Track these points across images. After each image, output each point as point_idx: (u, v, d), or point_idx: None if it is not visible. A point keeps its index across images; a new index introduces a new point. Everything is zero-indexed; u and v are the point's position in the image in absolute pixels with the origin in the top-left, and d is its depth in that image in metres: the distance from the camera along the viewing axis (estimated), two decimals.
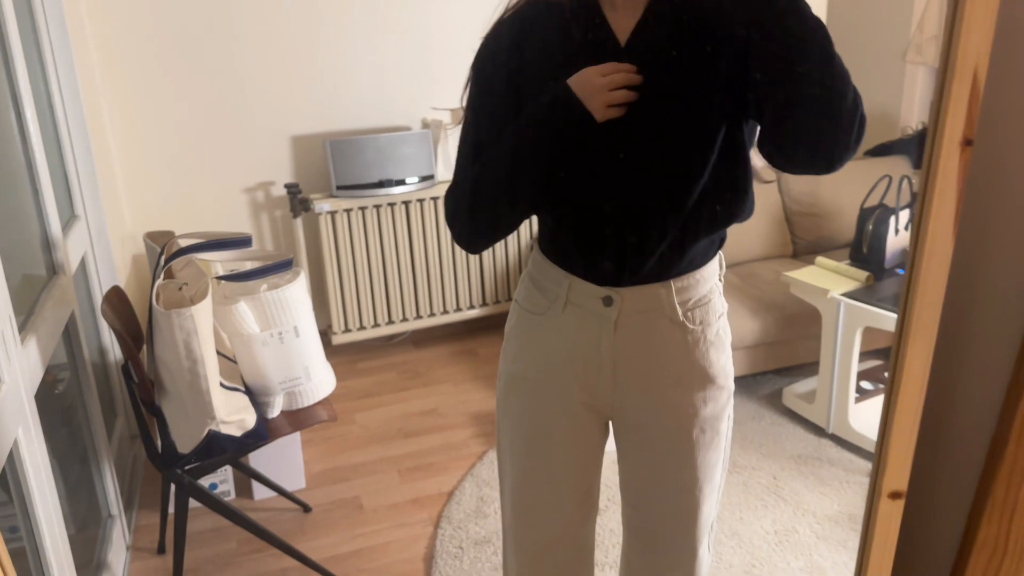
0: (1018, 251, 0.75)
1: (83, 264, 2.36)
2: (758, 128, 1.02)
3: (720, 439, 1.22)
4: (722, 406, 1.20)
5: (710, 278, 1.16)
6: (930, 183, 0.63)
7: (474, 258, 3.36)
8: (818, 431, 2.68)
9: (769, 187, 3.30)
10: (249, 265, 2.05)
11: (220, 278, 1.98)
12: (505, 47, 1.10)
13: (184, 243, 2.03)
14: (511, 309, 1.25)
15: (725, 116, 1.03)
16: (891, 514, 0.71)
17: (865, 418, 2.62)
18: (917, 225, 0.69)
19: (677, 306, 1.12)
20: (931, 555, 0.84)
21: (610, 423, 1.27)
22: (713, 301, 1.16)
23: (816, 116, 0.89)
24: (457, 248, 3.33)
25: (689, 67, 1.01)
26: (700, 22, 1.01)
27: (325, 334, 3.22)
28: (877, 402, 2.76)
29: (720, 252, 1.18)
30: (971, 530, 0.71)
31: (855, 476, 2.44)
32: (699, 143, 1.03)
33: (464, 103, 1.13)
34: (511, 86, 1.09)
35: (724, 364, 1.19)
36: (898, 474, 0.70)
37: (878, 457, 0.73)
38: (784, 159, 0.98)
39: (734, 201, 1.09)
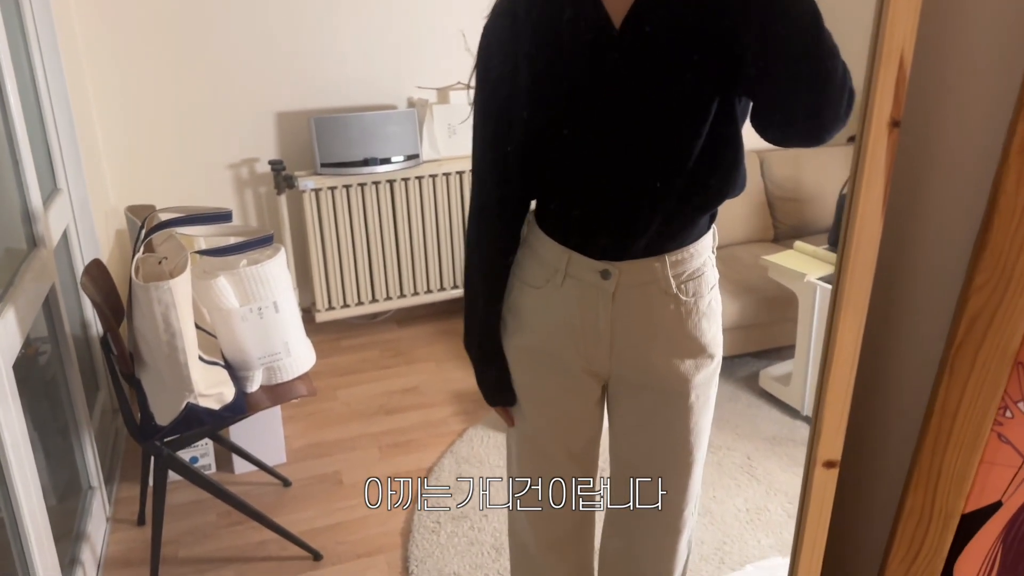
0: (947, 227, 0.77)
1: (65, 238, 2.36)
2: (750, 104, 1.04)
3: (710, 405, 1.29)
4: (712, 372, 1.26)
5: (703, 252, 1.19)
6: (860, 164, 0.66)
7: (458, 238, 3.38)
8: (793, 413, 2.72)
9: (752, 172, 3.32)
10: (230, 240, 2.06)
11: (200, 253, 1.99)
12: (506, 37, 1.10)
13: (164, 217, 2.04)
14: (510, 283, 1.27)
15: (718, 94, 1.04)
16: (826, 483, 0.74)
17: None
18: (849, 205, 0.71)
19: (671, 279, 1.16)
20: (868, 526, 0.88)
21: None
22: (706, 274, 1.20)
23: (808, 87, 0.91)
24: (441, 228, 3.35)
25: (684, 47, 1.02)
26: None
27: (309, 312, 3.23)
28: None
29: (714, 226, 1.21)
30: (902, 499, 0.73)
31: None
32: (692, 123, 1.04)
33: (470, 97, 1.17)
34: (510, 78, 1.10)
35: (715, 333, 1.24)
36: (832, 444, 0.73)
37: (813, 427, 0.76)
38: (776, 132, 1.00)
39: (726, 177, 1.11)
